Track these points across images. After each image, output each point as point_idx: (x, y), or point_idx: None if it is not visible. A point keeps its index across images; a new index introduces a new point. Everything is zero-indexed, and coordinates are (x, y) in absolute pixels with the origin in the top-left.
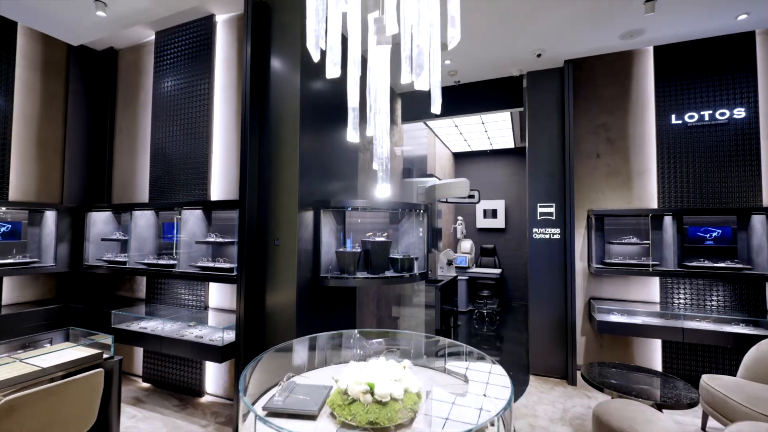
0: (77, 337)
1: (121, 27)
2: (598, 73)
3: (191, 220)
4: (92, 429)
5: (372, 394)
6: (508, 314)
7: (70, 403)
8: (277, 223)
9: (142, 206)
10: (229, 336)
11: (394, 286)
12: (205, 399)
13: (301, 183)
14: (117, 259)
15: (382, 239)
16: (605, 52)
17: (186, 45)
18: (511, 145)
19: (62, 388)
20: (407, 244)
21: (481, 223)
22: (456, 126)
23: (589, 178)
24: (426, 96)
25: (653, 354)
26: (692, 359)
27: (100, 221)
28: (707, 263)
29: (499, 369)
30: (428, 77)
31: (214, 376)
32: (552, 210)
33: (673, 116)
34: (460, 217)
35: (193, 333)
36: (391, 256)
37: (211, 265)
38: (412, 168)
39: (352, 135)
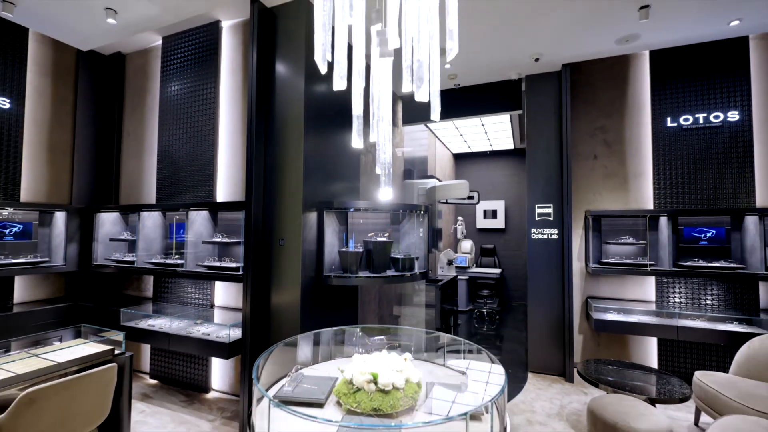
0: (88, 334)
1: (130, 33)
2: (596, 77)
3: (198, 220)
4: (105, 422)
5: (375, 383)
6: (507, 314)
7: (84, 397)
8: (281, 224)
9: (149, 207)
10: (236, 333)
11: (395, 286)
12: (211, 395)
13: (305, 185)
14: (125, 258)
15: (384, 239)
16: (602, 56)
17: (192, 50)
18: (511, 146)
19: (78, 382)
20: (408, 244)
21: (481, 223)
22: (456, 127)
23: (587, 179)
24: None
25: (649, 352)
26: (687, 357)
27: (108, 222)
28: (702, 263)
29: (485, 359)
30: (428, 88)
31: (219, 372)
32: (550, 211)
33: (669, 119)
34: (460, 218)
35: (200, 330)
36: (392, 255)
37: (217, 264)
38: (412, 169)
39: (356, 142)
